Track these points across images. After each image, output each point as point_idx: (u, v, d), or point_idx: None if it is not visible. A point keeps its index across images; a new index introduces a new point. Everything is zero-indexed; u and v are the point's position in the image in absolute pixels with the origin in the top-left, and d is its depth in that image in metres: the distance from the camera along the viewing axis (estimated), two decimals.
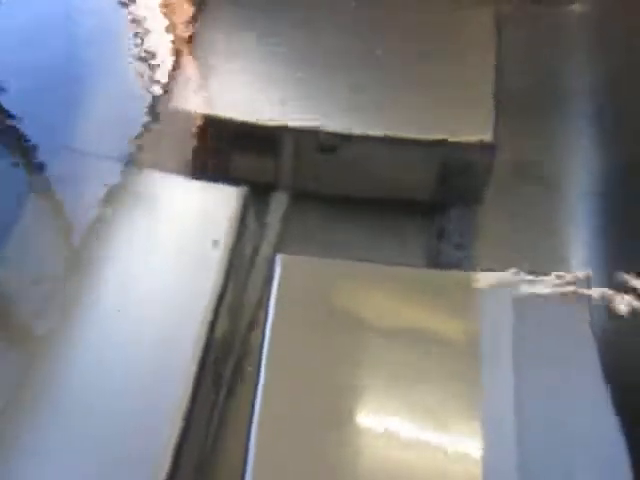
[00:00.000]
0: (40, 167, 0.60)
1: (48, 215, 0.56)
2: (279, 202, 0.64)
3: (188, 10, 0.66)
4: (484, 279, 0.50)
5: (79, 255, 0.52)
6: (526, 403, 0.43)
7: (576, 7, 0.75)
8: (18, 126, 0.64)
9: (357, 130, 0.56)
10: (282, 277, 0.49)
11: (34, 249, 0.53)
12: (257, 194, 0.62)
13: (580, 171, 0.68)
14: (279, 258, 0.52)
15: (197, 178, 0.61)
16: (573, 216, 0.66)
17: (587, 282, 0.49)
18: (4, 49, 0.69)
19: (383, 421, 0.44)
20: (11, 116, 0.64)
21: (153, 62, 0.66)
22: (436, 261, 0.62)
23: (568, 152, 0.67)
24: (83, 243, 0.52)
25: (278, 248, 0.63)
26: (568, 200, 0.66)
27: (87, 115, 0.63)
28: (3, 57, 0.67)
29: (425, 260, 0.63)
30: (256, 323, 0.58)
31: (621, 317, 0.54)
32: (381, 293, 0.50)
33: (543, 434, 0.42)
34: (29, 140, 0.63)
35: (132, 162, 0.58)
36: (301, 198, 0.64)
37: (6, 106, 0.65)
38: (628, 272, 0.54)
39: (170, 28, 0.68)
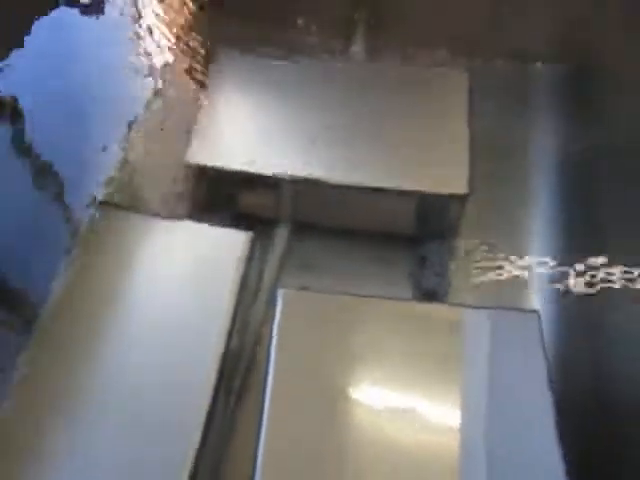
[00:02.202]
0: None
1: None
2: (280, 234, 0.72)
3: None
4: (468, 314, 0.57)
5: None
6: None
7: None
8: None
9: (351, 181, 0.65)
10: (283, 310, 0.57)
11: None
12: (260, 225, 0.72)
13: None
14: (280, 292, 0.58)
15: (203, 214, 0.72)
16: None
17: None
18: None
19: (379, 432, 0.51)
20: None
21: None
22: (418, 285, 0.72)
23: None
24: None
25: (280, 272, 0.72)
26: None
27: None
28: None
29: (409, 284, 0.73)
30: (260, 339, 0.67)
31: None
32: (375, 325, 0.57)
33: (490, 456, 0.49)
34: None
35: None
36: (300, 229, 0.72)
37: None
38: None
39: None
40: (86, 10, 0.86)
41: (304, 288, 0.69)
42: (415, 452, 0.50)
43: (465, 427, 0.50)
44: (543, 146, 0.79)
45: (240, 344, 0.64)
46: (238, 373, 0.63)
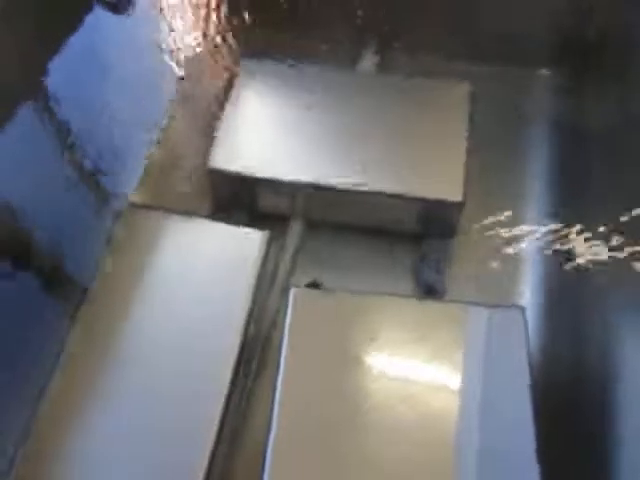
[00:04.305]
0: None
1: None
2: (294, 230, 0.78)
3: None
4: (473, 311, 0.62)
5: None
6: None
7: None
8: None
9: (358, 186, 0.71)
10: (294, 307, 0.62)
11: None
12: (276, 222, 0.78)
13: None
14: (292, 291, 0.64)
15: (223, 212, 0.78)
16: None
17: None
18: None
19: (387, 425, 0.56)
20: None
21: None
22: (419, 280, 0.78)
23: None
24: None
25: (293, 265, 0.78)
26: None
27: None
28: None
29: (411, 279, 0.80)
30: (275, 326, 0.72)
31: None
32: (380, 320, 0.62)
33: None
34: None
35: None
36: (312, 226, 0.78)
37: None
38: None
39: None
40: (115, 10, 0.92)
41: (315, 282, 0.77)
42: (414, 438, 0.56)
43: (454, 419, 0.56)
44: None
45: (257, 330, 0.70)
46: (255, 355, 0.70)
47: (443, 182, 0.70)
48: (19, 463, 0.56)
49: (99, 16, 0.87)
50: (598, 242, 0.69)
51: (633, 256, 0.61)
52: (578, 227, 0.74)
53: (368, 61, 0.85)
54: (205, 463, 0.57)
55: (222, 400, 0.61)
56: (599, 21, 0.85)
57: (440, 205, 0.70)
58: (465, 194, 0.70)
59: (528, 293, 0.74)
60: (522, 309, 0.62)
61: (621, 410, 0.56)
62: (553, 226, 0.78)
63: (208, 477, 0.57)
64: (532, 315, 0.70)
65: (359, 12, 0.86)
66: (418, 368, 0.60)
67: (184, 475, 0.56)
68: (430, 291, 0.76)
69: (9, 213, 0.68)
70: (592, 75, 0.86)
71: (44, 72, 0.75)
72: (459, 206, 0.70)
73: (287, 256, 0.77)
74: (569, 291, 0.74)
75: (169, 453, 0.57)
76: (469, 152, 0.72)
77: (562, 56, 0.87)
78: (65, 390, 0.60)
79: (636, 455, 0.53)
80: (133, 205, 0.73)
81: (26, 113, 0.72)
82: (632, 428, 0.54)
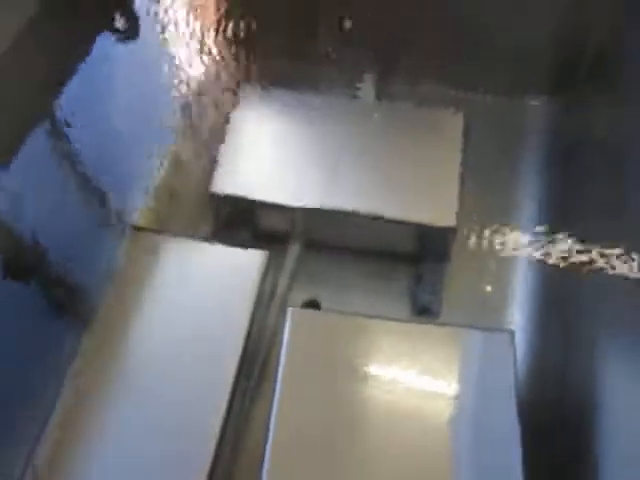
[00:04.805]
0: None
1: None
2: (293, 250, 0.81)
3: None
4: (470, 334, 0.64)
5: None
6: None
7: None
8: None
9: (355, 210, 0.74)
10: (292, 327, 0.64)
11: None
12: (275, 242, 0.81)
13: None
14: (290, 310, 0.66)
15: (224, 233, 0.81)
16: None
17: None
18: None
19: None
20: None
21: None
22: (414, 301, 0.81)
23: None
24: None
25: (292, 284, 0.80)
26: None
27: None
28: None
29: (407, 299, 0.82)
30: (274, 342, 0.74)
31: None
32: (375, 343, 0.64)
33: None
34: None
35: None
36: (310, 247, 0.80)
37: None
38: None
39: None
40: (123, 36, 0.95)
41: (312, 300, 0.80)
42: (405, 453, 0.58)
43: (444, 437, 0.58)
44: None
45: (256, 347, 0.73)
46: (255, 369, 0.72)
47: (437, 208, 0.72)
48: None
49: (106, 44, 0.90)
50: (595, 263, 0.71)
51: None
52: (573, 247, 0.76)
53: (367, 88, 0.88)
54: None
55: (222, 413, 0.64)
56: (594, 53, 0.87)
57: (434, 230, 0.73)
58: (458, 219, 0.72)
59: (518, 315, 0.77)
60: (511, 333, 0.64)
61: (605, 430, 0.58)
62: (546, 249, 0.81)
63: None
64: (522, 337, 0.72)
65: (359, 42, 0.89)
66: (409, 387, 0.62)
67: None
68: (425, 311, 0.79)
69: (17, 232, 0.71)
70: (586, 105, 0.88)
71: (55, 98, 0.78)
72: (452, 231, 0.73)
73: (286, 275, 0.79)
74: (560, 311, 0.76)
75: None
76: (463, 178, 0.75)
77: (556, 87, 0.90)
78: (74, 401, 0.64)
79: (619, 474, 0.55)
80: (136, 228, 0.76)
81: (35, 139, 0.74)
82: (616, 449, 0.57)
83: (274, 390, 0.61)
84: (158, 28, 0.95)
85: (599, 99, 0.85)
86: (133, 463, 0.61)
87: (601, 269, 0.67)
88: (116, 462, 0.61)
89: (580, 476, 0.58)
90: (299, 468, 0.58)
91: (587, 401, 0.61)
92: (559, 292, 0.78)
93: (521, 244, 0.83)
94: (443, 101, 0.87)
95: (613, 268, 0.66)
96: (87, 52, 0.87)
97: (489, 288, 0.80)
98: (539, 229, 0.82)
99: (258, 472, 0.57)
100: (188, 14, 0.98)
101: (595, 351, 0.64)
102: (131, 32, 0.96)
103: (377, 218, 0.73)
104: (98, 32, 0.90)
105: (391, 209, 0.73)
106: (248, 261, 0.72)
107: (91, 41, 0.89)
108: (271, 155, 0.78)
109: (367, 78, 0.88)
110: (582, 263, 0.73)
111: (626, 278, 0.63)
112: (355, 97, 0.86)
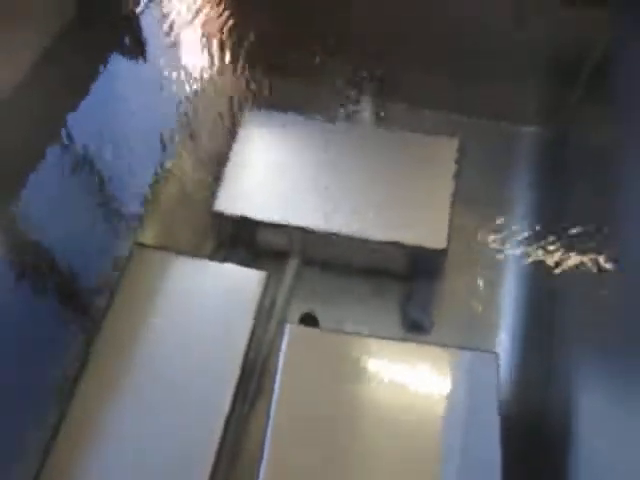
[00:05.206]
0: None
1: None
2: (291, 266, 0.84)
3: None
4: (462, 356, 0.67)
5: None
6: None
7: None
8: None
9: (350, 232, 0.78)
10: (289, 343, 0.68)
11: None
12: (274, 259, 0.85)
13: None
14: (287, 327, 0.70)
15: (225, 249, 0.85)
16: None
17: None
18: None
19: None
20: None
21: None
22: (406, 317, 0.84)
23: None
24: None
25: (290, 299, 0.84)
26: None
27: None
28: None
29: (399, 315, 0.86)
30: (271, 356, 0.78)
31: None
32: (370, 362, 0.67)
33: None
34: None
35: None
36: (308, 264, 0.84)
37: None
38: None
39: None
40: (130, 54, 0.99)
41: (309, 313, 0.83)
42: (395, 462, 0.63)
43: (429, 448, 0.62)
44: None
45: (254, 359, 0.76)
46: (253, 380, 0.76)
47: (428, 230, 0.76)
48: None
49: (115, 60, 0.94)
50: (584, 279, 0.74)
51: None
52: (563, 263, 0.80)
53: (366, 111, 0.92)
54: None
55: (222, 423, 0.67)
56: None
57: (425, 251, 0.76)
58: (449, 241, 0.76)
59: (505, 335, 0.80)
60: (495, 355, 0.68)
61: (582, 447, 0.62)
62: (536, 270, 0.85)
63: None
64: (507, 358, 0.76)
65: (360, 68, 0.92)
66: (399, 403, 0.66)
67: None
68: (416, 327, 0.82)
69: (32, 244, 0.75)
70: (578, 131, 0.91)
71: (66, 115, 0.82)
72: (443, 252, 0.76)
73: (284, 291, 0.83)
74: (547, 331, 0.80)
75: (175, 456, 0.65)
76: (454, 201, 0.79)
77: (550, 115, 0.94)
78: (81, 407, 0.68)
79: None
80: (139, 244, 0.79)
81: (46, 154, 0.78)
82: (592, 465, 0.60)
83: (270, 402, 0.65)
84: (164, 46, 0.99)
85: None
86: (137, 465, 0.65)
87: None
88: (121, 464, 0.65)
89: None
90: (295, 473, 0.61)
91: (566, 415, 0.65)
92: (545, 311, 0.81)
93: (511, 263, 0.86)
94: (440, 123, 0.91)
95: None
96: (98, 70, 0.91)
97: (478, 306, 0.84)
98: (529, 250, 0.86)
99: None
100: (194, 33, 1.01)
101: (576, 375, 0.68)
102: (138, 49, 0.99)
103: (370, 240, 0.77)
104: (109, 50, 0.94)
105: (384, 231, 0.77)
106: (248, 280, 0.76)
107: (103, 59, 0.93)
108: (271, 177, 0.81)
109: (368, 102, 0.92)
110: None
111: None
112: (355, 120, 0.89)
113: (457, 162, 0.80)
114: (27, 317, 0.71)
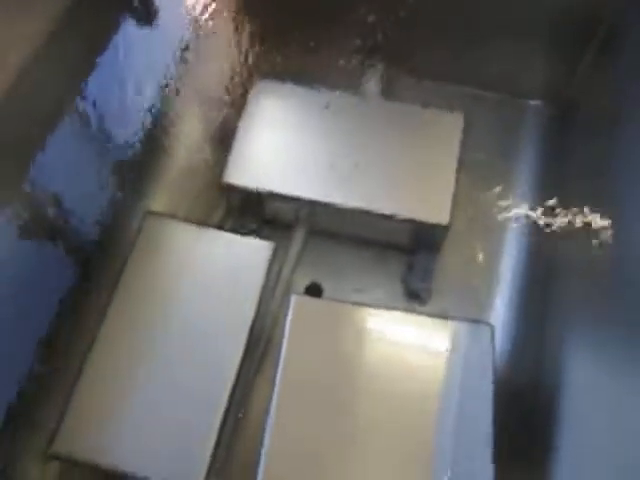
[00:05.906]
0: None
1: None
2: (297, 237, 0.86)
3: None
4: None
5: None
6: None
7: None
8: None
9: (356, 205, 0.80)
10: (294, 313, 0.71)
11: None
12: (281, 229, 0.88)
13: None
14: (292, 297, 0.72)
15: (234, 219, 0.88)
16: None
17: None
18: None
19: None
20: None
21: None
22: (406, 287, 0.87)
23: None
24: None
25: (295, 268, 0.86)
26: None
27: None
28: None
29: (399, 285, 0.89)
30: (277, 322, 0.81)
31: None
32: (372, 331, 0.70)
33: None
34: None
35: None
36: (314, 235, 0.87)
37: None
38: None
39: None
40: (145, 20, 0.99)
41: (314, 283, 0.86)
42: (395, 430, 0.66)
43: (426, 416, 0.66)
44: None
45: (260, 329, 0.80)
46: (259, 348, 0.80)
47: (432, 206, 0.78)
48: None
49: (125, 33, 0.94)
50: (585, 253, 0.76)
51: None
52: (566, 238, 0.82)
53: (373, 83, 0.92)
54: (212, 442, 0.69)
55: (228, 390, 0.71)
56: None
57: (428, 227, 0.79)
58: (452, 217, 0.78)
59: (502, 307, 0.83)
60: (491, 326, 0.70)
61: (572, 416, 0.65)
62: (538, 245, 0.87)
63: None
64: (502, 328, 0.79)
65: (368, 40, 0.93)
66: (397, 371, 0.69)
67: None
68: (416, 297, 0.85)
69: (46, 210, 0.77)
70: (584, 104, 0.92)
71: (78, 90, 0.83)
72: (445, 228, 0.78)
73: (290, 261, 0.86)
74: (544, 303, 0.82)
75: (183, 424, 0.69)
76: (458, 176, 0.80)
77: (555, 90, 0.95)
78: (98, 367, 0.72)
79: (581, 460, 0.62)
80: (151, 213, 0.82)
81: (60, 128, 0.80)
82: (579, 434, 0.63)
83: (275, 372, 0.68)
84: (175, 14, 0.99)
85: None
86: (151, 426, 0.69)
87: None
88: (138, 413, 0.69)
89: (544, 459, 0.65)
90: (298, 450, 0.65)
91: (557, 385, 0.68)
92: (544, 284, 0.83)
93: (513, 238, 0.89)
94: (446, 97, 0.92)
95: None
96: (110, 38, 0.91)
97: (478, 278, 0.87)
98: (532, 225, 0.88)
99: (257, 448, 0.65)
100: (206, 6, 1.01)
101: (568, 345, 0.71)
102: (152, 14, 0.99)
103: (375, 213, 0.79)
104: (120, 14, 0.94)
105: (388, 205, 0.79)
106: (256, 250, 0.79)
107: (115, 26, 0.93)
108: (280, 149, 0.83)
109: (376, 73, 0.92)
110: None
111: None
112: (363, 92, 0.90)
113: (461, 137, 0.82)
114: (41, 283, 0.74)
